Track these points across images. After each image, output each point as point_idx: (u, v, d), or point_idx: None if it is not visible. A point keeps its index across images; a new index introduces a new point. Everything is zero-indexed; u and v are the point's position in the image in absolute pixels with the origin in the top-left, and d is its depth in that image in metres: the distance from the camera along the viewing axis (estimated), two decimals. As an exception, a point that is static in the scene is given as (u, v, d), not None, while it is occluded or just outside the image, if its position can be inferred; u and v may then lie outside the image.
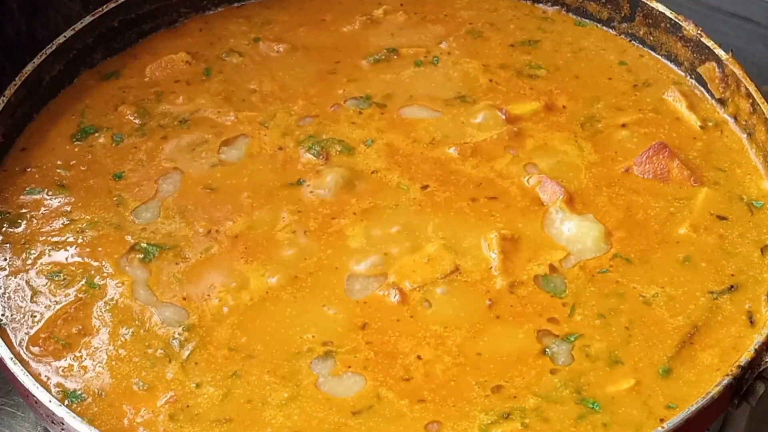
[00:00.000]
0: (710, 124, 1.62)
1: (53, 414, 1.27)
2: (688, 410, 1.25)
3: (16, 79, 1.57)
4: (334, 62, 1.71)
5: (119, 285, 1.42)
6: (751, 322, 1.38)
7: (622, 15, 1.73)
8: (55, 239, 1.47)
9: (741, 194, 1.52)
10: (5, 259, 1.45)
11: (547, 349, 1.35)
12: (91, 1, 1.77)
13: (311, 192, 1.52)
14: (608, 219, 1.48)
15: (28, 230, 1.48)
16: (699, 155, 1.58)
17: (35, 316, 1.39)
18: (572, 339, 1.36)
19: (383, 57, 1.71)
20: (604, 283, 1.42)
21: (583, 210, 1.49)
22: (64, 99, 1.64)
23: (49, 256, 1.45)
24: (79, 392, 1.33)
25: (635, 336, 1.36)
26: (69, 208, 1.50)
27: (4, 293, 1.42)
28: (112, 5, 1.68)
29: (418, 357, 1.35)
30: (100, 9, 1.67)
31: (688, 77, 1.68)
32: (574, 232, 1.47)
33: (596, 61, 1.72)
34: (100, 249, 1.46)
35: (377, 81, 1.68)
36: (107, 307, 1.40)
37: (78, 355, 1.36)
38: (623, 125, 1.60)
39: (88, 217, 1.49)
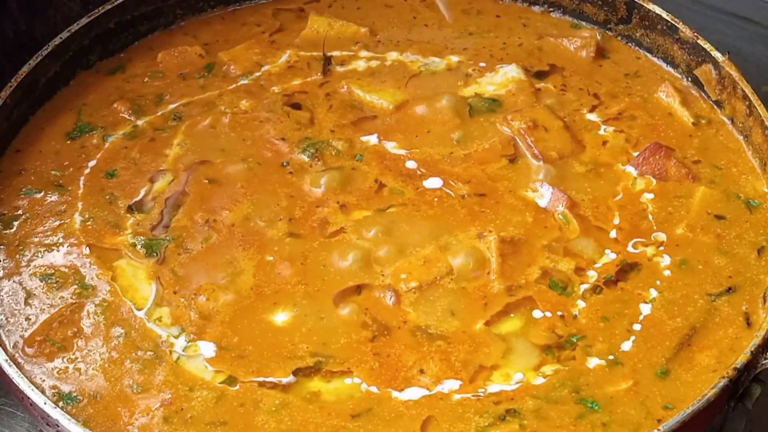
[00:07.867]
0: (703, 121, 1.62)
1: (48, 416, 1.27)
2: (684, 412, 1.25)
3: (12, 80, 1.57)
4: None
5: (112, 286, 1.42)
6: (748, 323, 1.38)
7: (619, 17, 1.73)
8: (48, 240, 1.47)
9: (738, 192, 1.52)
10: (-2, 261, 1.46)
11: (548, 351, 1.35)
12: (91, 1, 1.77)
13: (305, 188, 1.52)
14: (611, 225, 1.48)
15: (22, 231, 1.48)
16: (696, 152, 1.57)
17: (30, 319, 1.39)
18: (575, 340, 1.36)
19: None
20: (608, 289, 1.41)
21: (586, 216, 1.49)
22: (60, 100, 1.64)
23: (43, 257, 1.45)
24: (74, 394, 1.33)
25: (636, 338, 1.36)
26: (63, 208, 1.50)
27: (-2, 296, 1.43)
28: (109, 6, 1.68)
29: (421, 371, 1.35)
30: (96, 11, 1.67)
31: (685, 80, 1.68)
32: (577, 240, 1.46)
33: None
34: (93, 249, 1.46)
35: None
36: (100, 309, 1.40)
37: (73, 357, 1.36)
38: (620, 130, 1.60)
39: (81, 217, 1.49)
